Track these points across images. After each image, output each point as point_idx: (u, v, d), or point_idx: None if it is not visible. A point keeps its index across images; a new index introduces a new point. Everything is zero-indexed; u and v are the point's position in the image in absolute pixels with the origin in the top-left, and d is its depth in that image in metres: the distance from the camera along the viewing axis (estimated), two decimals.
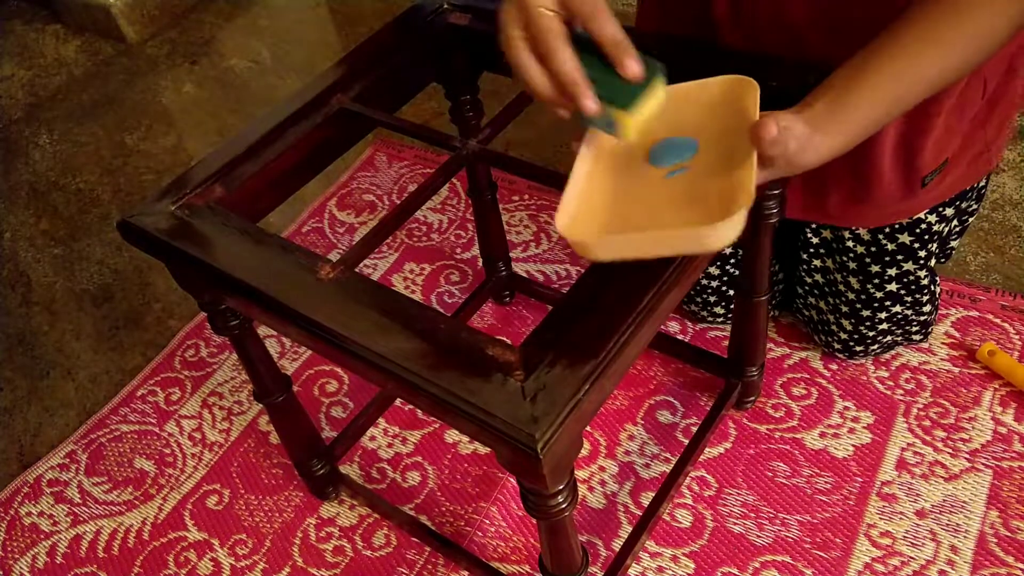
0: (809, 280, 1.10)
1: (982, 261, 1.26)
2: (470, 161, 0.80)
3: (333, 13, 2.19)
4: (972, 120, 0.91)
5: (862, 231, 0.99)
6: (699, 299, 1.17)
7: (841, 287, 1.05)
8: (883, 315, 1.05)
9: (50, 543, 1.15)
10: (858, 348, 1.11)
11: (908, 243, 0.99)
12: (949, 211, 0.99)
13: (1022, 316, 1.17)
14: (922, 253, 1.00)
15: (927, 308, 1.06)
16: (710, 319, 1.20)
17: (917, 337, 1.12)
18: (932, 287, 1.07)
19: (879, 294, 1.03)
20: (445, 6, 0.95)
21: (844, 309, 1.06)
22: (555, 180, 0.77)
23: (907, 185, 0.92)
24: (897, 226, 0.98)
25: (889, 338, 1.10)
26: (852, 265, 1.02)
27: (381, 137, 1.68)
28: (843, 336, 1.10)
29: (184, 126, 1.90)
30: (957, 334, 1.16)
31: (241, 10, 2.24)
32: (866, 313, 1.05)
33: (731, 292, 1.14)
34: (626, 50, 0.53)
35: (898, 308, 1.04)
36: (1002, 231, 1.30)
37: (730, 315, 1.18)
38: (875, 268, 1.01)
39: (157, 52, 2.14)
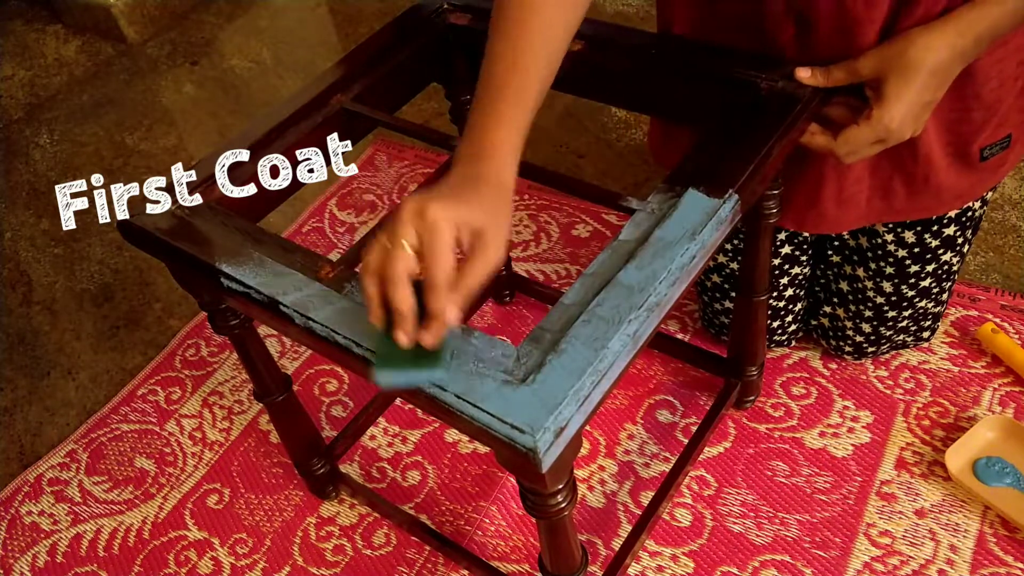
0: (834, 287, 1.08)
1: (982, 261, 1.26)
2: None
3: (333, 13, 2.20)
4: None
5: (907, 234, 0.97)
6: (717, 322, 1.17)
7: (871, 293, 1.03)
8: (908, 312, 1.04)
9: (50, 542, 1.15)
10: (871, 349, 1.11)
11: (952, 234, 0.97)
12: (990, 193, 0.97)
13: (1022, 316, 1.17)
14: (960, 240, 0.98)
15: (944, 296, 1.06)
16: (713, 331, 1.19)
17: (926, 334, 1.12)
18: (955, 275, 1.05)
19: (911, 292, 1.02)
20: (445, 6, 0.95)
21: (868, 314, 1.05)
22: (554, 180, 0.78)
23: (963, 160, 0.89)
24: (945, 219, 0.95)
25: (902, 337, 1.10)
26: (889, 270, 1.00)
27: (381, 137, 1.68)
28: (859, 339, 1.09)
29: (184, 126, 1.90)
30: (957, 333, 1.17)
31: (241, 10, 2.25)
32: (892, 314, 1.04)
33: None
34: (433, 327, 0.56)
35: (923, 303, 1.04)
36: (1002, 231, 1.31)
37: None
38: (914, 268, 0.99)
39: (157, 52, 2.14)
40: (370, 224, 1.52)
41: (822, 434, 1.09)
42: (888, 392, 1.12)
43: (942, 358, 1.14)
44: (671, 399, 1.16)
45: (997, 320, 1.17)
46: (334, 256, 1.23)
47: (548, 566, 0.77)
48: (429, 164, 1.62)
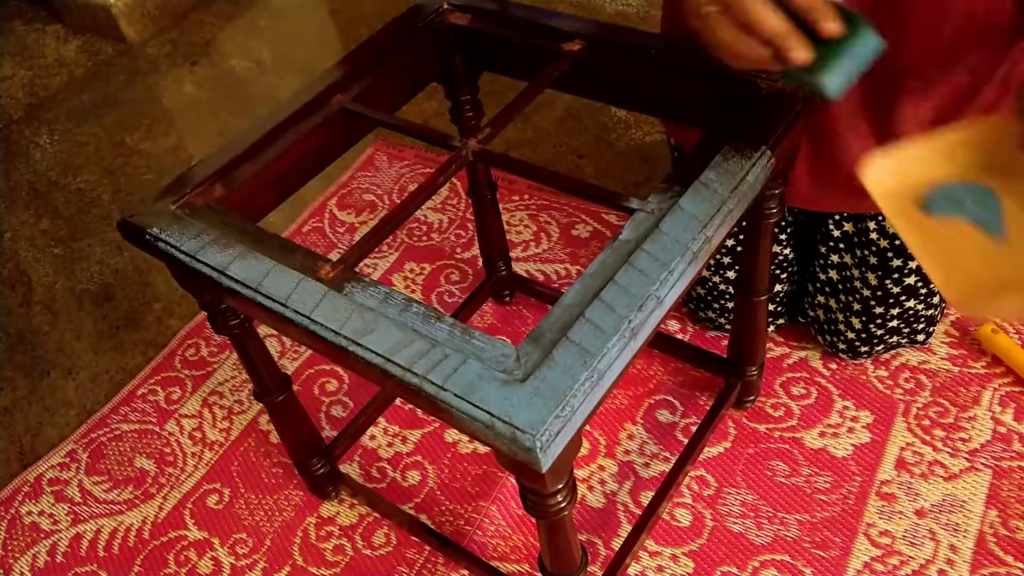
0: (823, 277, 1.09)
1: None
2: (470, 161, 0.80)
3: (333, 13, 2.20)
4: (1000, 86, 0.89)
5: (888, 223, 0.99)
6: (695, 294, 1.17)
7: (857, 283, 1.04)
8: (896, 311, 1.05)
9: (50, 542, 1.15)
10: (863, 348, 1.11)
11: None
12: None
13: (1021, 316, 1.17)
14: None
15: (936, 299, 1.07)
16: (707, 323, 1.20)
17: (921, 337, 1.12)
18: None
19: (896, 289, 1.02)
20: (445, 6, 0.95)
21: (856, 307, 1.06)
22: (554, 180, 0.78)
23: None
24: None
25: (895, 338, 1.10)
26: (873, 260, 1.01)
27: (381, 137, 1.68)
28: (850, 336, 1.10)
29: (184, 126, 1.90)
30: (957, 333, 1.17)
31: (241, 10, 2.25)
32: (879, 310, 1.05)
33: (724, 299, 1.14)
34: (820, 12, 0.55)
35: (911, 303, 1.04)
36: None
37: (724, 322, 1.18)
38: (896, 262, 1.00)
39: (157, 52, 2.14)
40: (370, 224, 1.52)
41: (822, 434, 1.09)
42: (888, 392, 1.12)
43: (942, 358, 1.14)
44: (671, 399, 1.17)
45: (997, 320, 1.17)
46: (334, 256, 1.23)
47: (548, 566, 0.77)
48: (429, 164, 1.62)
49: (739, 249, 1.09)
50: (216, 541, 1.11)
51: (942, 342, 1.16)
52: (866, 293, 1.04)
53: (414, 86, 0.96)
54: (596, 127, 1.65)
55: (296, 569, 1.07)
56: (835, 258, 1.06)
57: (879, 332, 1.08)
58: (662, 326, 0.80)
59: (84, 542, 1.14)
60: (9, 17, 2.37)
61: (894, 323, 1.07)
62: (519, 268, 1.35)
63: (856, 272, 1.04)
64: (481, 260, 1.30)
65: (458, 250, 1.44)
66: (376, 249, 1.36)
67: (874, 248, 1.01)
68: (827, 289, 1.10)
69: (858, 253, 1.03)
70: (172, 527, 1.14)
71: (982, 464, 1.03)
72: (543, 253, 1.40)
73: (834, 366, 1.16)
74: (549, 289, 1.30)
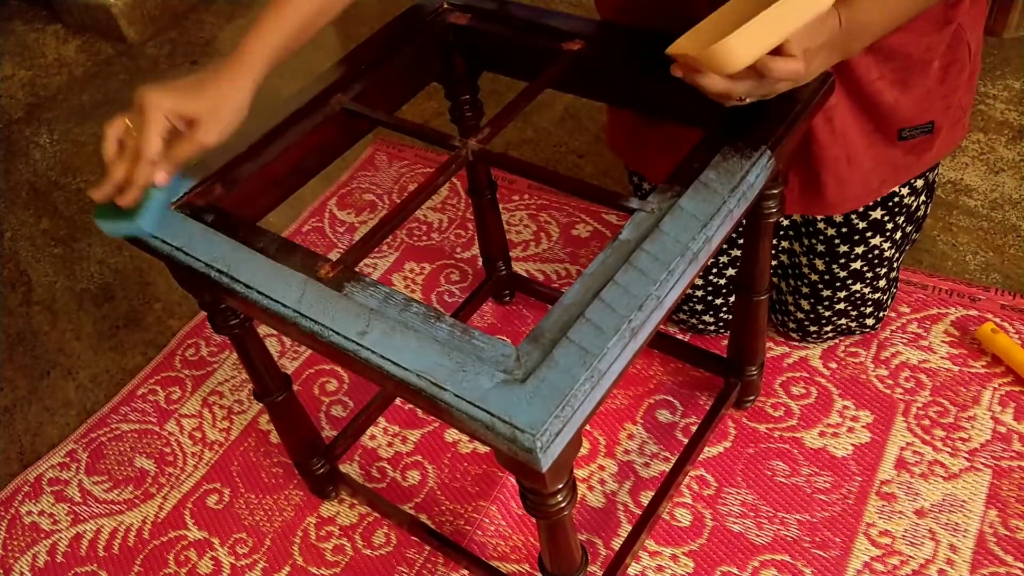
0: (773, 262, 1.12)
1: (982, 261, 1.26)
2: (470, 161, 0.80)
3: None
4: (953, 84, 0.94)
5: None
6: (686, 307, 1.17)
7: (805, 269, 1.08)
8: (843, 294, 1.08)
9: (50, 542, 1.15)
10: (812, 328, 1.13)
11: (879, 218, 1.02)
12: (920, 182, 1.02)
13: (1022, 316, 1.17)
14: (890, 226, 1.03)
15: (882, 283, 1.09)
16: (700, 327, 1.20)
17: (870, 322, 1.14)
18: (895, 264, 1.09)
19: (843, 273, 1.06)
20: (445, 6, 0.95)
21: (805, 290, 1.09)
22: (554, 180, 0.78)
23: (885, 143, 0.95)
24: (872, 203, 1.00)
25: (844, 320, 1.12)
26: (820, 248, 1.05)
27: (381, 137, 1.68)
28: (799, 316, 1.13)
29: None
30: (957, 333, 1.17)
31: (241, 10, 2.25)
32: (827, 293, 1.08)
33: (717, 301, 1.15)
34: (127, 191, 0.72)
35: (858, 286, 1.07)
36: (1002, 231, 1.31)
37: (720, 323, 1.18)
38: (843, 248, 1.04)
39: (157, 52, 2.14)
40: (370, 223, 1.52)
41: (822, 434, 1.09)
42: (888, 392, 1.12)
43: (942, 357, 1.14)
44: (671, 399, 1.16)
45: (997, 320, 1.17)
46: (334, 256, 1.23)
47: (548, 566, 0.77)
48: (429, 164, 1.62)
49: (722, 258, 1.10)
50: (216, 541, 1.11)
51: (942, 342, 1.16)
52: (814, 278, 1.07)
53: (414, 86, 0.96)
54: (596, 127, 1.65)
55: (296, 569, 1.07)
56: (785, 244, 1.10)
57: (827, 313, 1.10)
58: (662, 326, 0.80)
59: (84, 542, 1.14)
60: (9, 17, 2.36)
61: (841, 305, 1.09)
62: (519, 268, 1.35)
63: (804, 259, 1.07)
64: (481, 260, 1.30)
65: (458, 250, 1.44)
66: (376, 249, 1.36)
67: (821, 237, 1.04)
68: (778, 272, 1.13)
69: (806, 242, 1.06)
70: (172, 527, 1.14)
71: (982, 464, 1.03)
72: (543, 253, 1.40)
73: (834, 365, 1.16)
74: (549, 289, 1.30)
